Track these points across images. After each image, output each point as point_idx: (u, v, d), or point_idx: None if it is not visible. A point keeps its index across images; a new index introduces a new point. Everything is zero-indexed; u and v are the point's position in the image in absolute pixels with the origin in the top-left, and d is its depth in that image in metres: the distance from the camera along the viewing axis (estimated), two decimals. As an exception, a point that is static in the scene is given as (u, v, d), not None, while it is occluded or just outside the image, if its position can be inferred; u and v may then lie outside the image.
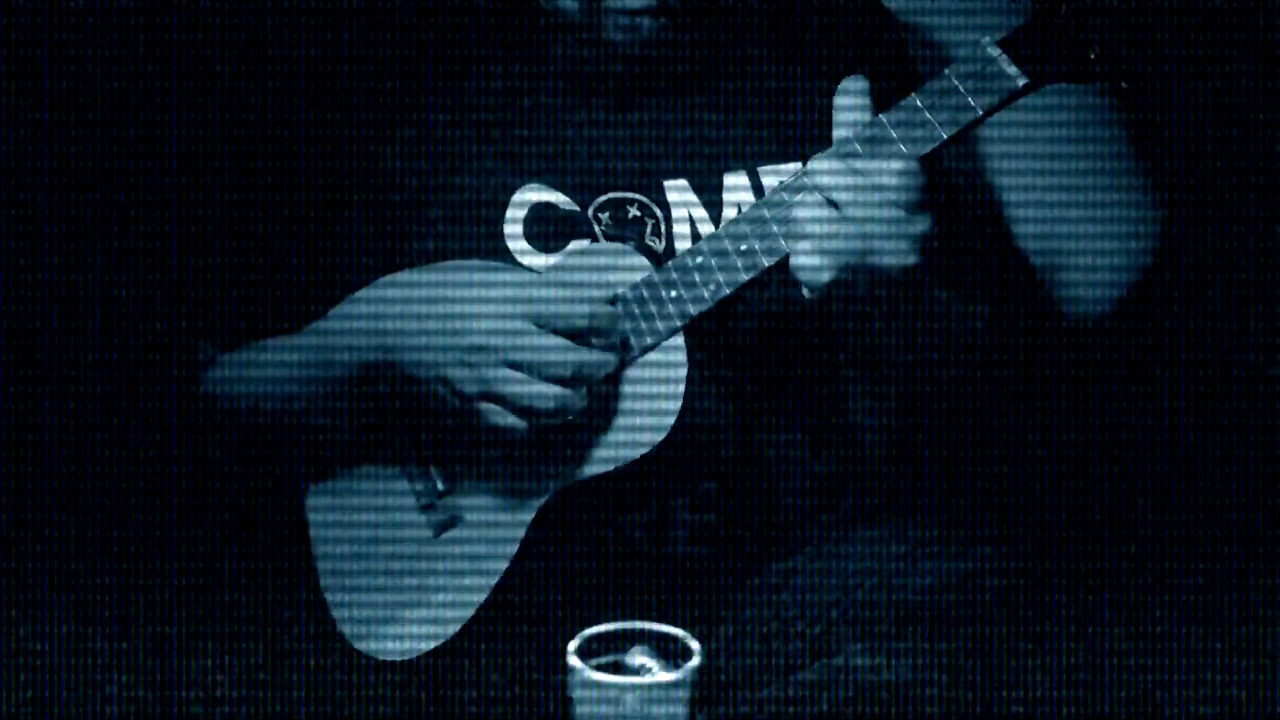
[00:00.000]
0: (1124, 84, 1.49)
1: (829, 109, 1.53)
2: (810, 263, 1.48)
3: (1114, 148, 1.89)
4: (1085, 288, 1.89)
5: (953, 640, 1.54)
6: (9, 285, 1.85)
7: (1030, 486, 1.96)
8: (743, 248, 1.54)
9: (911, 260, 1.48)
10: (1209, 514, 1.90)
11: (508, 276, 1.57)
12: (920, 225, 1.48)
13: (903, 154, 1.48)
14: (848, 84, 1.51)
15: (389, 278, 1.61)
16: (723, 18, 1.72)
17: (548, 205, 1.67)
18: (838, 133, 1.51)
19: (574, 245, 1.65)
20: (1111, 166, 1.89)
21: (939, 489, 1.80)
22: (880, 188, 1.46)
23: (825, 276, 1.47)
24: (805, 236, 1.48)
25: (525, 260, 1.66)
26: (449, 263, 1.61)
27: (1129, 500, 1.95)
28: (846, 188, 1.47)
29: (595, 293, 1.56)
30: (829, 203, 1.48)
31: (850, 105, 1.51)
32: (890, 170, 1.46)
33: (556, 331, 1.52)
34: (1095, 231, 1.88)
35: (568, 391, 1.52)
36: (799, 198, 1.50)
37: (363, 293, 1.61)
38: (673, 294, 1.56)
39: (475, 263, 1.62)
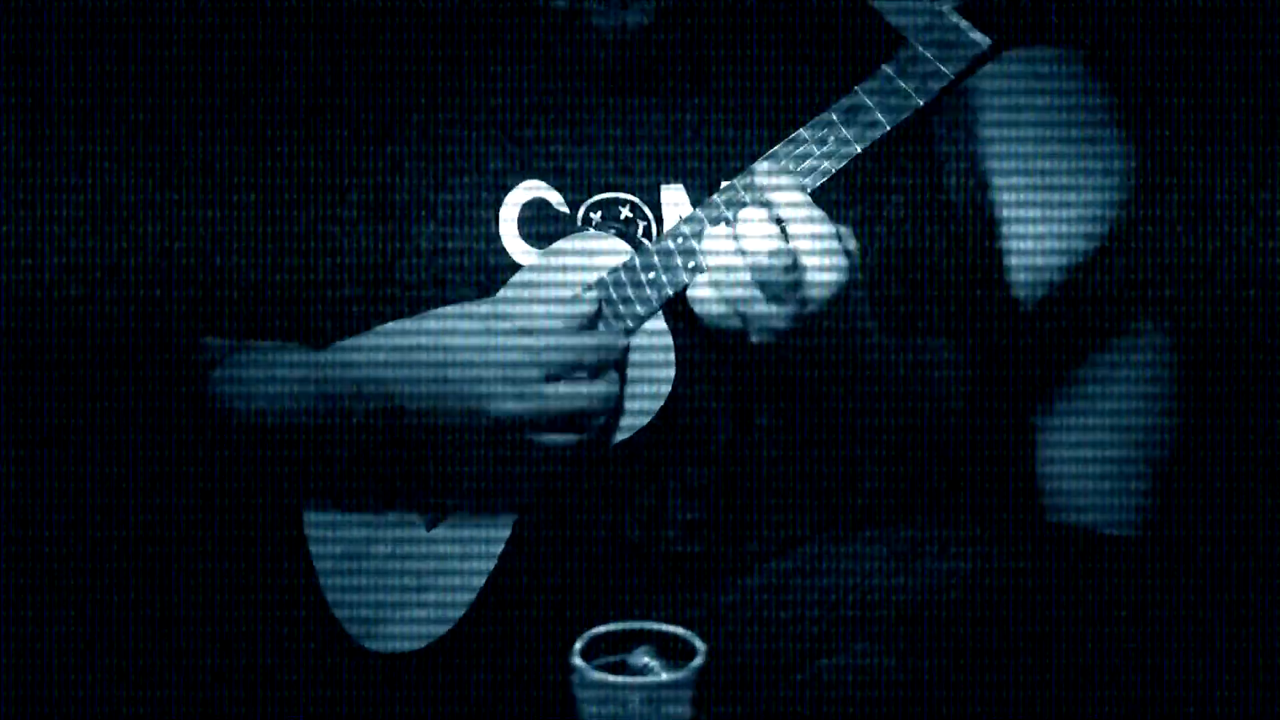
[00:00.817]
0: (1053, 14, 1.51)
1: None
2: (702, 294, 1.50)
3: (1081, 106, 1.91)
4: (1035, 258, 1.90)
5: (953, 640, 1.54)
6: (9, 285, 1.84)
7: (1030, 487, 1.96)
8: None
9: (803, 320, 1.48)
10: (1208, 514, 1.90)
11: (507, 336, 1.56)
12: (825, 281, 1.47)
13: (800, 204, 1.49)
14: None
15: (389, 326, 1.60)
16: (718, 17, 1.71)
17: (543, 203, 1.66)
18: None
19: (557, 245, 1.65)
20: (1077, 135, 1.91)
21: (939, 489, 1.80)
22: (783, 251, 1.46)
23: (714, 309, 1.49)
24: (705, 268, 1.51)
25: (521, 258, 1.65)
26: (447, 310, 1.60)
27: (1127, 500, 1.96)
28: (755, 251, 1.48)
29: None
30: (734, 237, 1.50)
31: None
32: (797, 220, 1.47)
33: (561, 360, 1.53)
34: (1059, 199, 1.90)
35: (607, 385, 1.54)
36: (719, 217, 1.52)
37: (365, 339, 1.60)
38: (651, 275, 1.56)
39: (470, 309, 1.60)
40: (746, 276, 1.48)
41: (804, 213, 1.48)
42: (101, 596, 1.62)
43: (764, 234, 1.47)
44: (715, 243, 1.50)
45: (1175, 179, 1.88)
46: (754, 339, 1.50)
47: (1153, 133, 1.90)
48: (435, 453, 1.61)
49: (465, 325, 1.56)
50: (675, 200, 1.67)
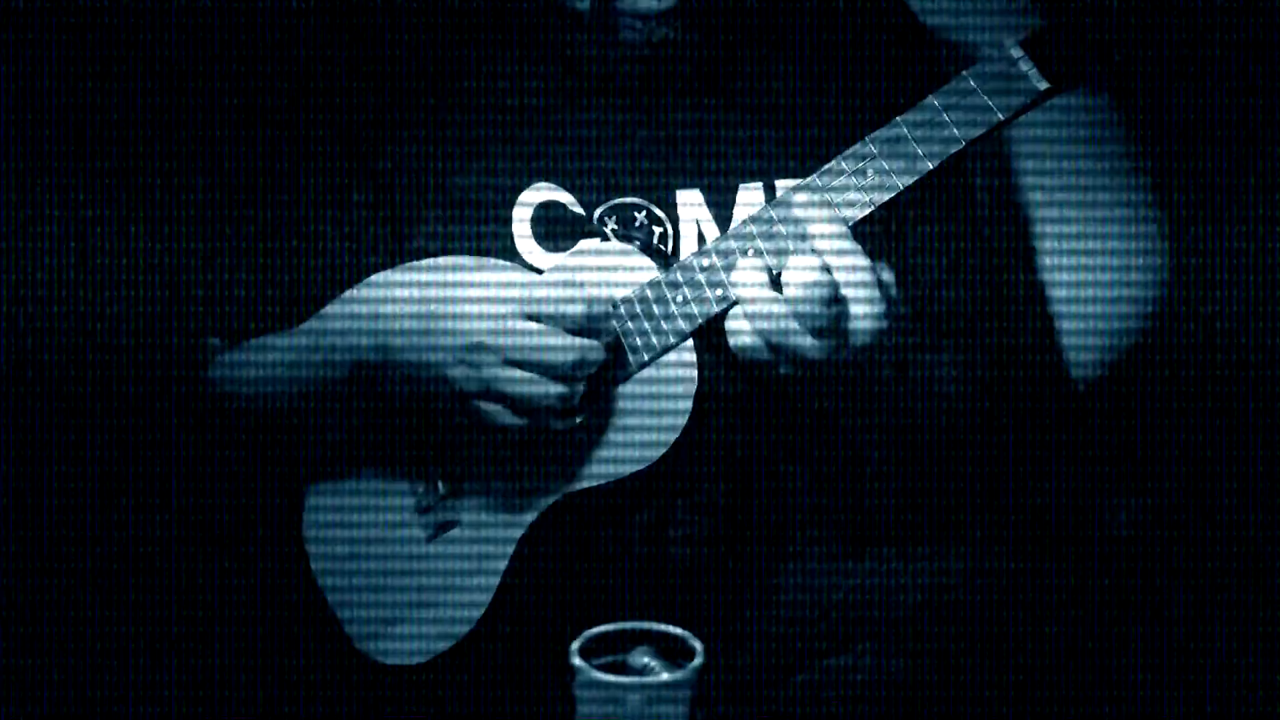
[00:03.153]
0: (1116, 58, 1.48)
1: (849, 121, 1.51)
2: (737, 325, 1.49)
3: (1127, 166, 1.88)
4: (1086, 345, 1.88)
5: (953, 640, 1.54)
6: (10, 284, 1.83)
7: (1030, 488, 1.95)
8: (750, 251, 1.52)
9: (838, 353, 1.46)
10: (1208, 514, 1.90)
11: (503, 275, 1.56)
12: (867, 319, 1.46)
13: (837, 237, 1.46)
14: (744, 194, 1.52)
15: (383, 275, 1.59)
16: (741, 22, 1.70)
17: (556, 205, 1.66)
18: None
19: (581, 245, 1.64)
20: (1124, 194, 1.89)
21: (940, 491, 1.80)
22: (819, 284, 1.44)
23: (747, 340, 1.48)
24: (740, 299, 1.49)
25: (534, 259, 1.65)
26: (443, 259, 1.60)
27: (1129, 501, 1.95)
28: (792, 283, 1.46)
29: (593, 291, 1.54)
30: (767, 269, 1.48)
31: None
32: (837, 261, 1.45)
33: (552, 327, 1.51)
34: (1109, 264, 1.87)
35: (567, 389, 1.51)
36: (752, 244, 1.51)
37: (354, 291, 1.60)
38: (679, 297, 1.55)
39: (468, 259, 1.61)
40: (783, 309, 1.46)
41: (842, 244, 1.46)
42: (103, 598, 1.62)
43: (804, 265, 1.45)
44: (748, 274, 1.48)
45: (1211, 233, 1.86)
46: (782, 370, 1.49)
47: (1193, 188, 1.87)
48: (423, 404, 1.59)
49: (457, 275, 1.56)
50: (691, 204, 1.66)
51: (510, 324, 1.50)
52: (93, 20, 1.86)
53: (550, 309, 1.51)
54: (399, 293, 1.57)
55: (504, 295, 1.52)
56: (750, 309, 1.47)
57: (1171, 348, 1.88)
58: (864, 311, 1.46)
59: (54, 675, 1.56)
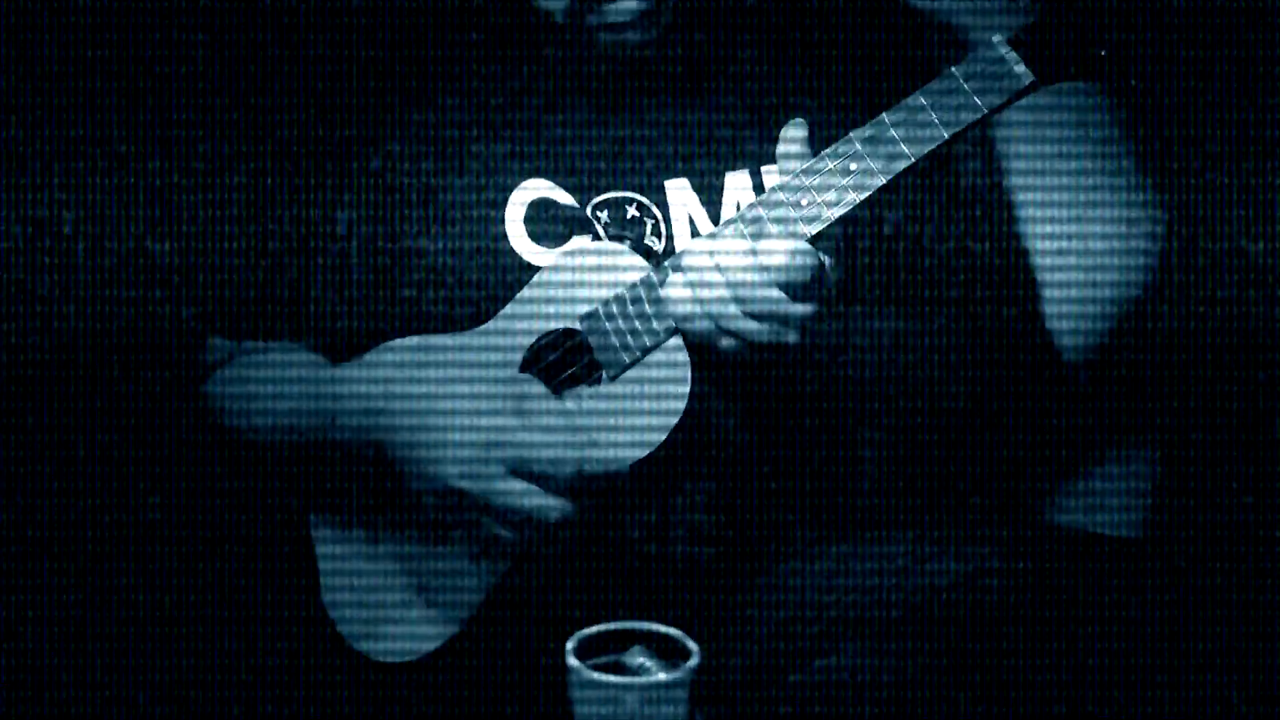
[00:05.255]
0: (1102, 51, 1.48)
1: (832, 106, 1.52)
2: (676, 294, 1.51)
3: (1115, 150, 1.88)
4: (1078, 317, 1.88)
5: (953, 640, 1.54)
6: (12, 283, 1.84)
7: (1030, 488, 1.95)
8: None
9: (790, 339, 1.49)
10: (1208, 514, 1.89)
11: (505, 387, 1.56)
12: (802, 308, 1.48)
13: (797, 234, 1.49)
14: (789, 131, 1.51)
15: (387, 355, 1.61)
16: (723, 16, 1.71)
17: (548, 202, 1.66)
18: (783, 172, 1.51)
19: (571, 244, 1.64)
20: (1111, 179, 1.88)
21: (940, 490, 1.80)
22: (766, 268, 1.47)
23: (698, 326, 1.50)
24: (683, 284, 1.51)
25: (529, 256, 1.65)
26: (445, 346, 1.61)
27: (1127, 500, 1.95)
28: (731, 268, 1.48)
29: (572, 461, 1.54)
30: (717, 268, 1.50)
31: (790, 153, 1.51)
32: (778, 250, 1.47)
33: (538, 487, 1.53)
34: (1096, 248, 1.87)
35: (569, 503, 1.53)
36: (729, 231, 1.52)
37: (361, 370, 1.61)
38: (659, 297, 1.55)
39: (473, 354, 1.61)
40: (719, 277, 1.48)
41: (795, 244, 1.48)
42: (97, 597, 1.62)
43: (742, 249, 1.48)
44: (696, 259, 1.51)
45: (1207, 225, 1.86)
46: (724, 344, 1.51)
47: (1188, 178, 1.87)
48: (416, 485, 1.60)
49: (464, 374, 1.58)
50: (682, 195, 1.67)
51: (497, 484, 1.52)
52: (93, 20, 1.87)
53: (540, 469, 1.52)
54: (397, 405, 1.58)
55: (490, 454, 1.53)
56: (690, 277, 1.50)
57: (1165, 331, 1.88)
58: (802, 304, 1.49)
59: (48, 675, 1.56)
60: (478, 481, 1.53)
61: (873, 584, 1.61)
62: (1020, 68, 1.46)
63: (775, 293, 1.47)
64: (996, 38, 1.47)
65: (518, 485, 1.52)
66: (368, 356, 1.62)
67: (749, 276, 1.47)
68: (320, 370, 1.66)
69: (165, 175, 1.84)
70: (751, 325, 1.49)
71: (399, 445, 1.57)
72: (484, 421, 1.54)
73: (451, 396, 1.56)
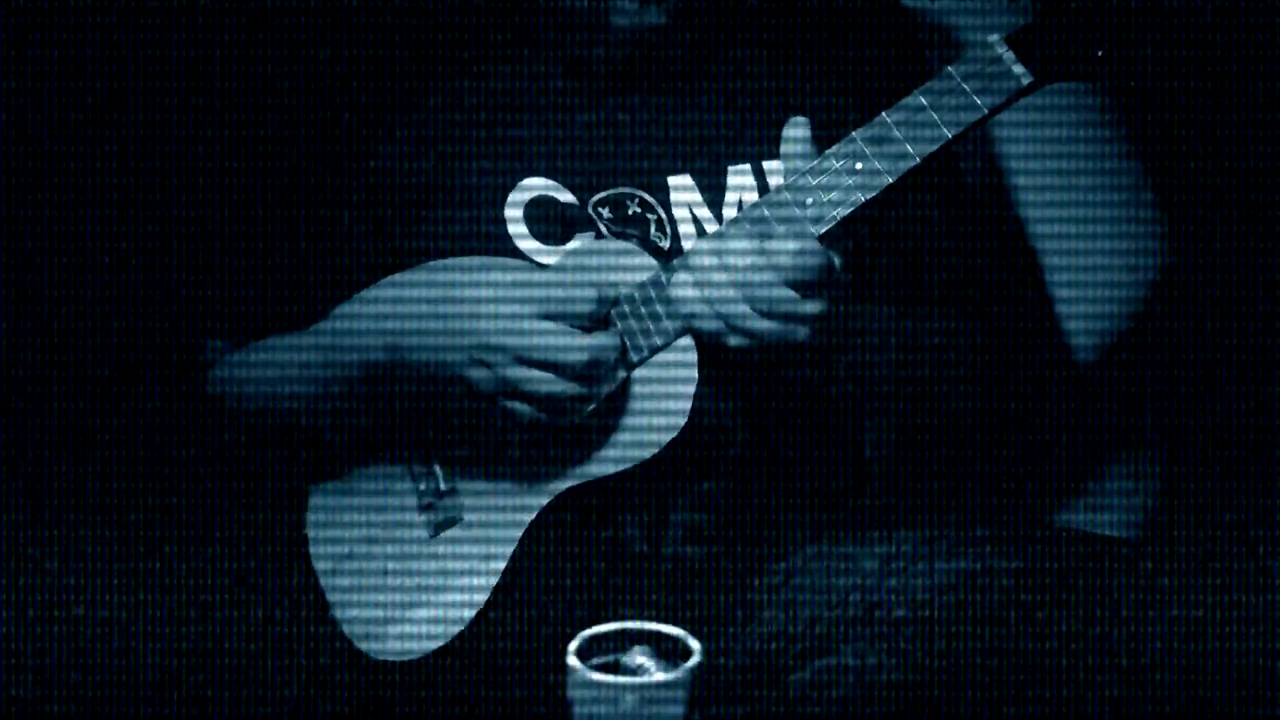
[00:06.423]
0: (1100, 51, 1.48)
1: (833, 104, 1.52)
2: (682, 294, 1.51)
3: (1118, 151, 1.88)
4: (1086, 319, 1.88)
5: (954, 640, 1.54)
6: (12, 283, 1.84)
7: (1030, 487, 1.95)
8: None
9: (800, 337, 1.49)
10: (1211, 515, 1.89)
11: (511, 274, 1.56)
12: (813, 306, 1.48)
13: (805, 234, 1.49)
14: (791, 130, 1.51)
15: (392, 277, 1.60)
16: (728, 8, 1.71)
17: (549, 198, 1.66)
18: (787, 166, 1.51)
19: (577, 242, 1.64)
20: (1114, 179, 1.89)
21: (943, 490, 1.80)
22: (776, 267, 1.47)
23: (709, 326, 1.50)
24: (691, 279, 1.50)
25: (530, 254, 1.65)
26: (452, 260, 1.60)
27: (1130, 500, 1.95)
28: (740, 268, 1.48)
29: (596, 292, 1.55)
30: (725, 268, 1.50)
31: (793, 152, 1.51)
32: (787, 250, 1.47)
33: (565, 326, 1.51)
34: (1101, 248, 1.88)
35: (584, 387, 1.52)
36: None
37: (367, 292, 1.60)
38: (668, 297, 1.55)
39: (477, 259, 1.61)
40: (725, 276, 1.48)
41: (804, 245, 1.48)
42: (99, 596, 1.62)
43: (750, 249, 1.48)
44: (704, 258, 1.50)
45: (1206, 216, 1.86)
46: (733, 342, 1.51)
47: (1188, 179, 1.87)
48: (432, 403, 1.60)
49: (466, 276, 1.56)
50: (683, 189, 1.67)
51: (523, 324, 1.51)
52: (92, 20, 1.87)
53: (561, 307, 1.51)
54: (410, 292, 1.57)
55: (516, 295, 1.52)
56: (699, 276, 1.50)
57: (1170, 332, 1.88)
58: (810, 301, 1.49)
59: (49, 674, 1.56)
60: (518, 336, 1.50)
61: (873, 584, 1.61)
62: (1018, 67, 1.46)
63: (786, 291, 1.48)
64: (994, 37, 1.48)
65: (546, 325, 1.51)
66: (358, 295, 1.62)
67: (759, 276, 1.47)
68: (320, 323, 1.65)
69: (165, 175, 1.84)
70: (763, 324, 1.49)
71: (414, 334, 1.55)
72: (508, 276, 1.53)
73: (459, 283, 1.56)
